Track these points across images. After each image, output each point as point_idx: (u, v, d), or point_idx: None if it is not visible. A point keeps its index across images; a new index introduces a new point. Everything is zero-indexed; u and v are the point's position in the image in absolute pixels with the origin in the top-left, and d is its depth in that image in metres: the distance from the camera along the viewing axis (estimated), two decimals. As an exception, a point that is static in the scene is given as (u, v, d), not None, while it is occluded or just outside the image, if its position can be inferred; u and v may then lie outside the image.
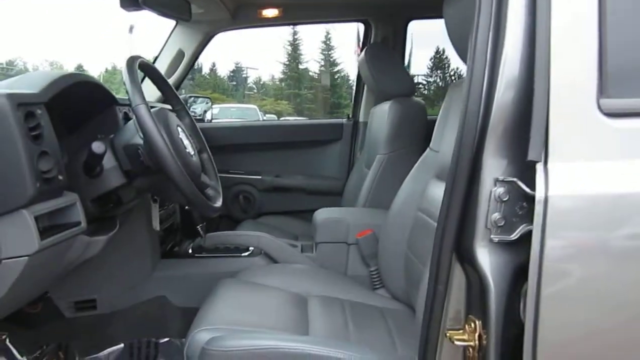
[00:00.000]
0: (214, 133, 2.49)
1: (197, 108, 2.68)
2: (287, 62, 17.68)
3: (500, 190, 0.81)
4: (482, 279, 0.84)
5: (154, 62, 2.30)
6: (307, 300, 1.39)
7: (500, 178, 0.80)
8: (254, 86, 18.78)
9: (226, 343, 1.06)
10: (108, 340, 1.56)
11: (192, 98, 2.63)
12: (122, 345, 1.55)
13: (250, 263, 1.65)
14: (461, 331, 0.87)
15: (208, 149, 1.48)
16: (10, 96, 0.97)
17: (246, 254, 1.70)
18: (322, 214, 1.75)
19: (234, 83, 18.60)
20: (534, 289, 0.77)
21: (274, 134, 2.54)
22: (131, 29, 12.55)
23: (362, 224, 1.68)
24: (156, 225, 1.50)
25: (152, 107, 1.27)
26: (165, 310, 1.59)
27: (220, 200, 1.38)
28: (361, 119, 2.48)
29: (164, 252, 1.72)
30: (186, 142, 1.30)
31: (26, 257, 1.00)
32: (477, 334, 0.85)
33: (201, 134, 1.48)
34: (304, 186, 2.46)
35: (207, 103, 2.68)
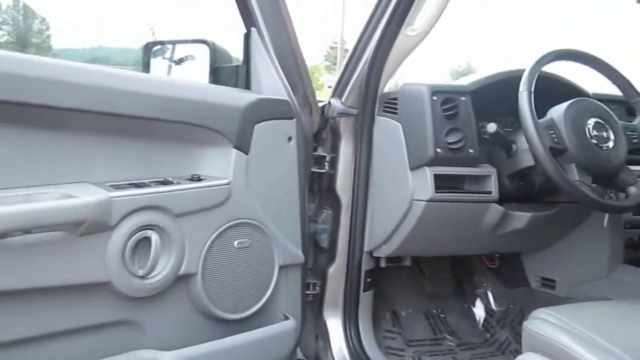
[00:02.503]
0: None
1: None
2: None
3: None
4: None
5: None
6: None
7: None
8: None
9: (540, 326, 1.08)
10: None
11: None
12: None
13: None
14: None
15: None
16: (430, 86, 1.37)
17: None
18: None
19: None
20: None
21: None
22: None
23: None
24: (604, 222, 1.46)
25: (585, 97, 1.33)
26: None
27: (635, 200, 1.24)
28: None
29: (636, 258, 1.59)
30: (603, 133, 1.27)
31: (424, 202, 1.38)
32: None
33: None
34: None
35: None
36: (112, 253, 1.03)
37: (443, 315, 1.87)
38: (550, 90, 1.34)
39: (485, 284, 1.88)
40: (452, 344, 1.76)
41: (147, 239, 1.08)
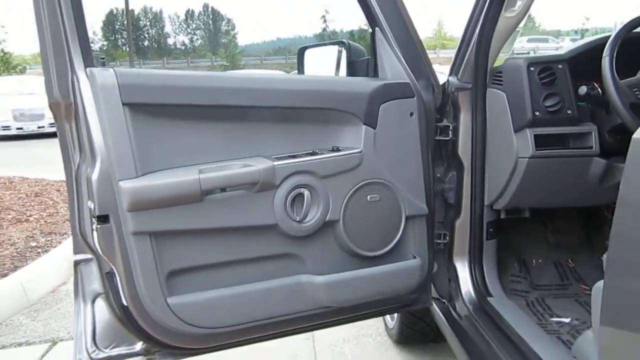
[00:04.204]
0: None
1: None
2: None
3: None
4: None
5: None
6: None
7: None
8: None
9: None
10: None
11: None
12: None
13: None
14: None
15: None
16: (526, 59, 1.58)
17: None
18: None
19: None
20: None
21: None
22: None
23: None
24: None
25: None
26: None
27: None
28: None
29: None
30: None
31: (527, 159, 1.61)
32: None
33: None
34: None
35: None
36: (278, 204, 1.48)
37: (573, 265, 2.03)
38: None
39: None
40: (578, 290, 1.93)
41: (302, 194, 1.51)
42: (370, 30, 1.72)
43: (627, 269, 0.86)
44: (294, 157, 1.51)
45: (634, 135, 0.83)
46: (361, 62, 1.81)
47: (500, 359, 1.50)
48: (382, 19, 1.67)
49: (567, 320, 1.74)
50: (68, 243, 3.94)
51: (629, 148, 0.84)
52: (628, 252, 0.86)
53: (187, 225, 1.40)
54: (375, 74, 1.74)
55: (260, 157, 1.50)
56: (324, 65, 1.88)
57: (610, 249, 0.88)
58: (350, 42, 1.83)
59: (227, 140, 1.48)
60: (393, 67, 1.70)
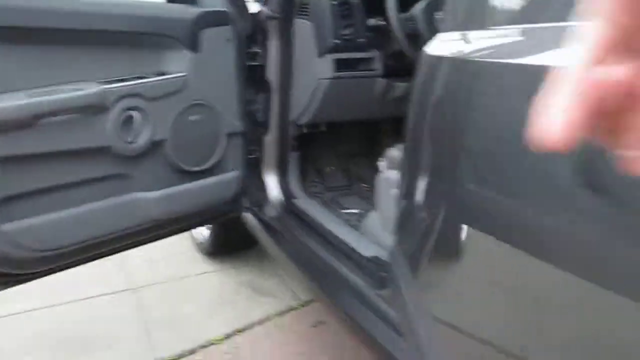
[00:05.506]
0: None
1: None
2: None
3: None
4: None
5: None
6: None
7: None
8: None
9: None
10: None
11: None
12: None
13: None
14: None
15: None
16: None
17: None
18: None
19: None
20: None
21: None
22: None
23: None
24: None
25: None
26: None
27: None
28: None
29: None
30: None
31: (327, 80, 1.92)
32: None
33: None
34: None
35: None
36: (110, 127, 1.54)
37: (356, 169, 2.48)
38: None
39: (390, 145, 2.46)
40: (360, 189, 2.39)
41: (131, 117, 1.59)
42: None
43: (417, 154, 1.18)
44: (122, 80, 1.57)
45: (424, 49, 1.11)
46: None
47: (306, 245, 1.84)
48: None
49: (355, 211, 2.17)
50: None
51: (420, 59, 1.11)
52: (417, 142, 1.17)
53: (19, 150, 1.40)
54: (193, 2, 1.84)
55: (91, 82, 1.52)
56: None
57: (406, 139, 1.18)
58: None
59: (52, 65, 1.47)
60: None
